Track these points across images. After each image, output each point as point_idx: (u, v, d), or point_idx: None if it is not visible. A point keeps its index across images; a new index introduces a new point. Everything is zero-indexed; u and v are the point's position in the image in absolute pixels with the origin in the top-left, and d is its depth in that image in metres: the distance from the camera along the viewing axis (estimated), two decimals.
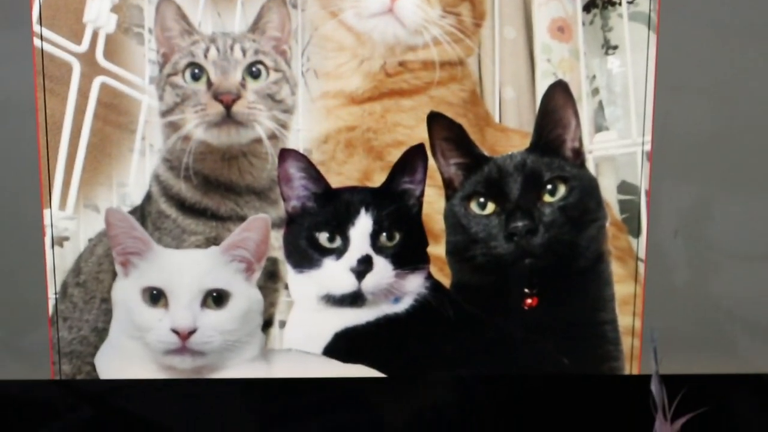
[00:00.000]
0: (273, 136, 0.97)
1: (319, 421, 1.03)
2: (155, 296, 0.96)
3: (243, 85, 0.96)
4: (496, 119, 0.99)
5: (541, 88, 0.98)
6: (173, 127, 0.96)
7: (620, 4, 0.98)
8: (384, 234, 0.98)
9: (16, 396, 1.01)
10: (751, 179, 1.03)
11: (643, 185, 1.00)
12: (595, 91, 0.99)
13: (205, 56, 0.95)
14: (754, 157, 1.02)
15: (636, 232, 1.01)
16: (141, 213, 0.98)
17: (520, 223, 0.98)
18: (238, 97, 0.95)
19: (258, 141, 0.97)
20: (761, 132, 1.02)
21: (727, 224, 1.03)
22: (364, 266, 0.97)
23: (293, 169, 0.97)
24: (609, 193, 1.00)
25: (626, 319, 1.02)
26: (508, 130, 0.99)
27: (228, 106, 0.95)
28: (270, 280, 1.00)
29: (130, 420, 1.02)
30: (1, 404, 1.01)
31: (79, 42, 0.95)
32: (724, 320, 1.06)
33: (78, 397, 1.01)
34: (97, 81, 0.96)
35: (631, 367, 1.03)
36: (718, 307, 1.05)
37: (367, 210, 0.97)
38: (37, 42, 0.94)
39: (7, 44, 0.95)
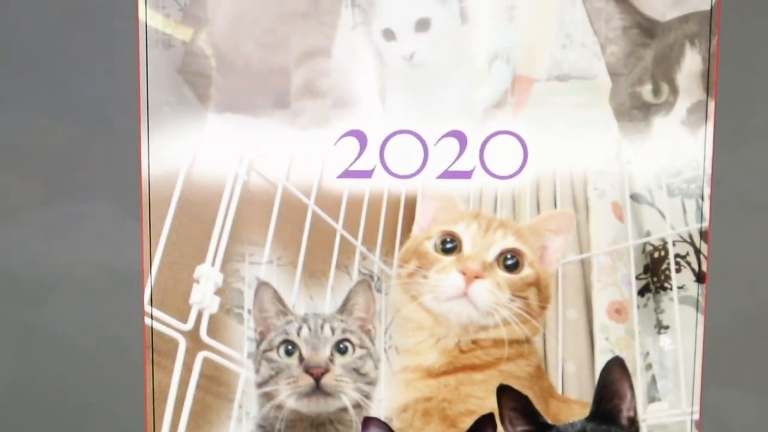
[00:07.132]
0: (357, 405, 1.07)
1: None
2: None
3: (331, 360, 1.06)
4: (559, 391, 1.09)
5: (600, 364, 1.08)
6: (267, 397, 1.06)
7: (671, 289, 1.08)
8: None
9: None
10: None
11: None
12: (649, 366, 1.09)
13: (298, 334, 1.06)
14: None
15: None
16: None
17: None
18: (327, 370, 1.05)
19: (344, 410, 1.06)
20: None
21: None
22: None
23: None
24: None
25: None
26: (570, 401, 1.09)
27: (317, 379, 1.05)
28: None
29: None
30: None
31: (185, 321, 1.05)
32: None
33: None
34: (200, 356, 1.05)
35: None
36: None
37: None
38: (147, 321, 1.05)
39: (119, 322, 1.06)
